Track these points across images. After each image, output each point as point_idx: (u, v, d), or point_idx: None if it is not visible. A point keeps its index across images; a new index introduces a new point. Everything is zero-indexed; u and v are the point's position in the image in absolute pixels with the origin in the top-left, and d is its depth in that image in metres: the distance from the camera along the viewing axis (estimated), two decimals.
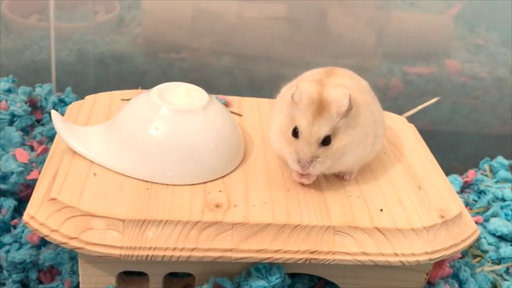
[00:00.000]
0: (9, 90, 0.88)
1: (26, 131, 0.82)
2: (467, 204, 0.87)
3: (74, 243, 0.54)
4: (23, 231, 0.66)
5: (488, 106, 1.11)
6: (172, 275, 0.62)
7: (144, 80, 1.08)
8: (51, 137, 0.80)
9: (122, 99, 0.74)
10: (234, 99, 0.80)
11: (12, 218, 0.70)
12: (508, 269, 0.77)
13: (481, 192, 0.89)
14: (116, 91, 0.77)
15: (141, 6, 1.09)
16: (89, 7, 1.08)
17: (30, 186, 0.71)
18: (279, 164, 0.66)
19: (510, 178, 0.91)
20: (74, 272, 0.64)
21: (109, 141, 0.62)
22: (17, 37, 1.04)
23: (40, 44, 1.05)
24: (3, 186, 0.71)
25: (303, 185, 0.62)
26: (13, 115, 0.82)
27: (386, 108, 0.71)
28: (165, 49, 1.08)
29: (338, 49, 1.07)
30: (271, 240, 0.57)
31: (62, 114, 0.66)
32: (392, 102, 1.08)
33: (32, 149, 0.78)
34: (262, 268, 0.58)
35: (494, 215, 0.84)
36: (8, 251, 0.65)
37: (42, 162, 0.72)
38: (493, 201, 0.86)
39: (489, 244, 0.80)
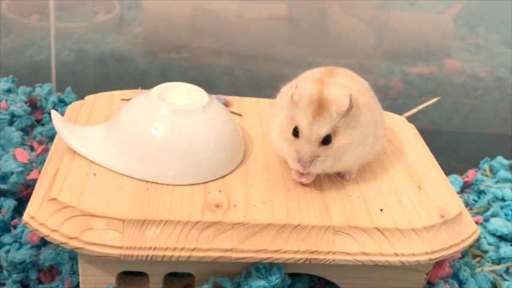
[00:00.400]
0: (9, 90, 0.88)
1: (26, 131, 0.82)
2: (467, 204, 0.87)
3: (74, 243, 0.54)
4: (23, 231, 0.66)
5: (488, 106, 1.11)
6: (172, 275, 0.62)
7: (144, 80, 1.08)
8: (51, 137, 0.80)
9: (122, 99, 0.74)
10: (234, 99, 0.80)
11: (12, 218, 0.70)
12: (508, 269, 0.77)
13: (481, 192, 0.89)
14: (116, 91, 0.77)
15: (141, 6, 1.09)
16: (89, 7, 1.08)
17: (30, 186, 0.71)
18: (279, 164, 0.66)
19: (510, 178, 0.91)
20: (74, 272, 0.64)
21: (109, 141, 0.62)
22: (17, 37, 1.04)
23: (40, 44, 1.05)
24: (3, 186, 0.71)
25: (302, 184, 0.62)
26: (13, 115, 0.82)
27: (386, 108, 0.71)
28: (165, 49, 1.08)
29: (338, 49, 1.08)
30: (271, 240, 0.57)
31: (62, 114, 0.66)
32: (392, 102, 1.08)
33: (32, 149, 0.78)
34: (262, 268, 0.58)
35: (494, 215, 0.84)
36: (8, 251, 0.65)
37: (42, 162, 0.72)
38: (493, 201, 0.86)
39: (489, 244, 0.80)
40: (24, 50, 1.05)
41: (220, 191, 0.60)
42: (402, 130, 0.77)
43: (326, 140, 0.58)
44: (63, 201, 0.56)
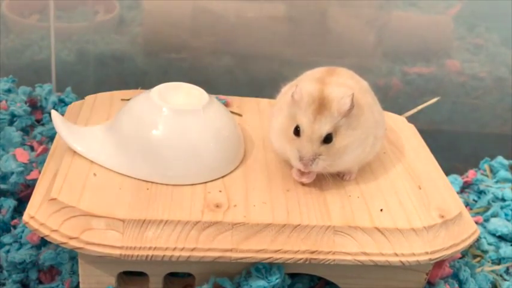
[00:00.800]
0: (9, 90, 0.88)
1: (26, 131, 0.82)
2: (467, 204, 0.87)
3: (74, 243, 0.54)
4: (23, 231, 0.66)
5: (488, 106, 1.11)
6: (172, 275, 0.62)
7: (144, 80, 1.07)
8: (51, 137, 0.80)
9: (122, 99, 0.74)
10: (234, 99, 0.80)
11: (12, 218, 0.70)
12: (508, 269, 0.77)
13: (481, 192, 0.89)
14: (116, 91, 0.77)
15: (141, 6, 1.09)
16: (89, 7, 1.08)
17: (30, 186, 0.71)
18: (279, 164, 0.66)
19: (510, 178, 0.91)
20: (74, 272, 0.64)
21: (109, 141, 0.62)
22: (17, 37, 1.04)
23: (40, 44, 1.05)
24: (3, 186, 0.71)
25: (303, 184, 0.62)
26: (13, 115, 0.82)
27: (386, 108, 0.71)
28: (165, 49, 1.08)
29: (338, 49, 1.07)
30: (271, 240, 0.57)
31: (62, 114, 0.66)
32: (392, 102, 1.07)
33: (32, 149, 0.78)
34: (262, 268, 0.58)
35: (494, 215, 0.84)
36: (8, 251, 0.65)
37: (42, 162, 0.72)
38: (493, 201, 0.86)
39: (489, 244, 0.80)
40: (24, 50, 1.05)
41: (220, 191, 0.60)
42: (402, 130, 0.77)
43: (327, 139, 0.59)
44: (63, 201, 0.56)
